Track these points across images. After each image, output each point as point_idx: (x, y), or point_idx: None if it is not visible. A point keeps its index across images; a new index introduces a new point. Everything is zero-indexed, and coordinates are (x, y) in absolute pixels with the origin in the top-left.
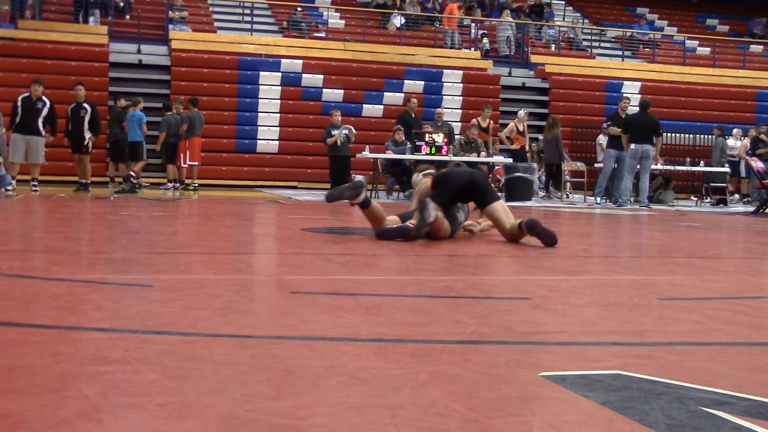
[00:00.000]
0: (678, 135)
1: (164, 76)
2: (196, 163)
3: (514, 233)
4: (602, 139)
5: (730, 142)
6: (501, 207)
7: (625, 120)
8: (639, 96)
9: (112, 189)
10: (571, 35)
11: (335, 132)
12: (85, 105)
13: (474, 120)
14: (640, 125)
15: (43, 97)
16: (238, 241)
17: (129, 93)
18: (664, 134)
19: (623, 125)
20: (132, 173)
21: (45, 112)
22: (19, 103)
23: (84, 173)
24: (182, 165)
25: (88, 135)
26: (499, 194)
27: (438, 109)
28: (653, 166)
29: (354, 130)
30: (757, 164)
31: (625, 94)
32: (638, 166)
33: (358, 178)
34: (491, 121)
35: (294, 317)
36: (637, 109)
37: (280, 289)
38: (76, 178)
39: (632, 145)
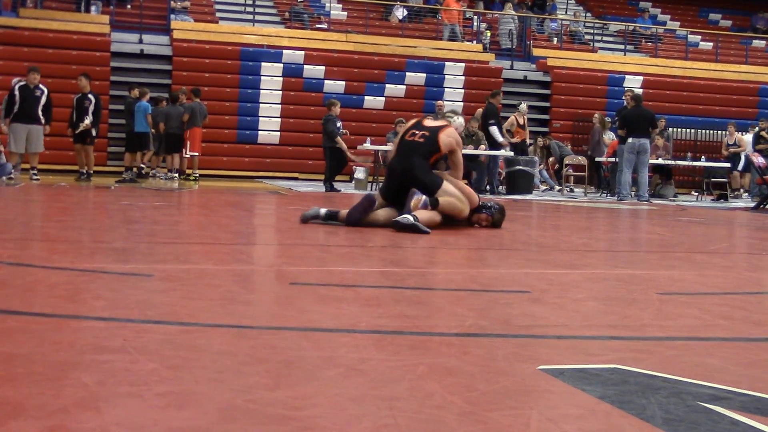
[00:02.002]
0: (679, 130)
1: (166, 66)
2: (196, 154)
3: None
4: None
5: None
6: (443, 191)
7: (621, 115)
8: (641, 90)
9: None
10: (574, 29)
11: (341, 125)
12: (89, 96)
13: (480, 110)
14: (637, 119)
15: (41, 85)
16: (238, 231)
17: (130, 83)
18: (667, 129)
19: (620, 120)
20: (143, 165)
21: (44, 100)
22: (17, 92)
23: (87, 163)
24: (183, 155)
25: (86, 121)
26: (500, 187)
27: (439, 102)
28: (653, 161)
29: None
30: (758, 160)
31: (627, 89)
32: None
33: (359, 170)
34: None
35: (293, 308)
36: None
37: (279, 280)
38: (76, 167)
39: (629, 139)
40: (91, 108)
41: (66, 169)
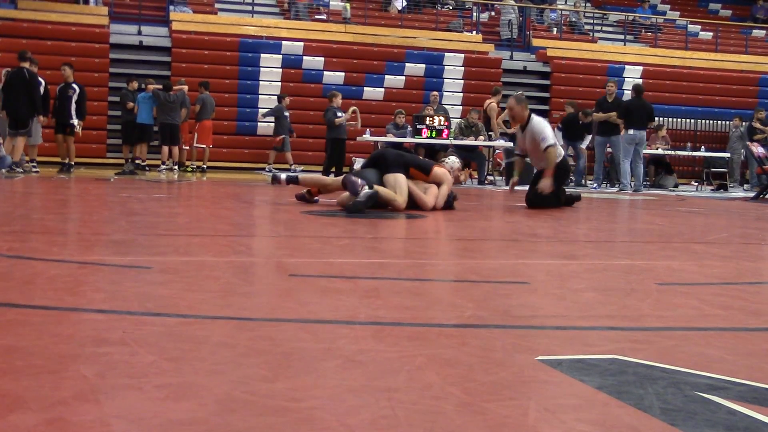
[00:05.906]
0: (679, 120)
1: (165, 57)
2: (204, 146)
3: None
4: None
5: None
6: (393, 179)
7: (624, 105)
8: (641, 81)
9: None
10: (573, 19)
11: (341, 114)
12: (73, 85)
13: (492, 103)
14: (638, 111)
15: (39, 78)
16: (237, 223)
17: (129, 74)
18: (666, 119)
19: (623, 111)
20: (138, 158)
21: (41, 92)
22: None
23: (68, 154)
24: (184, 147)
25: (75, 120)
26: (499, 177)
27: (433, 93)
28: (651, 151)
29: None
30: (758, 150)
31: (611, 80)
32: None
33: (359, 161)
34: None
35: (292, 300)
36: (630, 94)
37: (278, 272)
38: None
39: (630, 131)
40: (75, 98)
41: (53, 161)
